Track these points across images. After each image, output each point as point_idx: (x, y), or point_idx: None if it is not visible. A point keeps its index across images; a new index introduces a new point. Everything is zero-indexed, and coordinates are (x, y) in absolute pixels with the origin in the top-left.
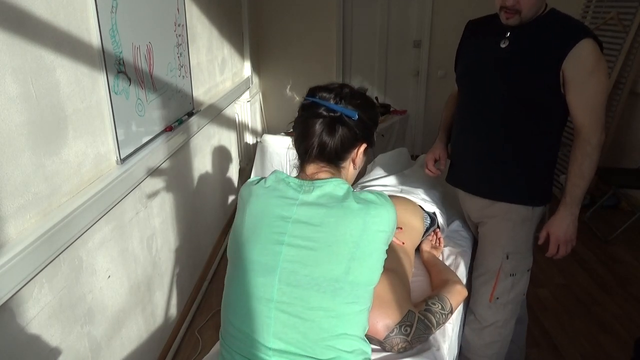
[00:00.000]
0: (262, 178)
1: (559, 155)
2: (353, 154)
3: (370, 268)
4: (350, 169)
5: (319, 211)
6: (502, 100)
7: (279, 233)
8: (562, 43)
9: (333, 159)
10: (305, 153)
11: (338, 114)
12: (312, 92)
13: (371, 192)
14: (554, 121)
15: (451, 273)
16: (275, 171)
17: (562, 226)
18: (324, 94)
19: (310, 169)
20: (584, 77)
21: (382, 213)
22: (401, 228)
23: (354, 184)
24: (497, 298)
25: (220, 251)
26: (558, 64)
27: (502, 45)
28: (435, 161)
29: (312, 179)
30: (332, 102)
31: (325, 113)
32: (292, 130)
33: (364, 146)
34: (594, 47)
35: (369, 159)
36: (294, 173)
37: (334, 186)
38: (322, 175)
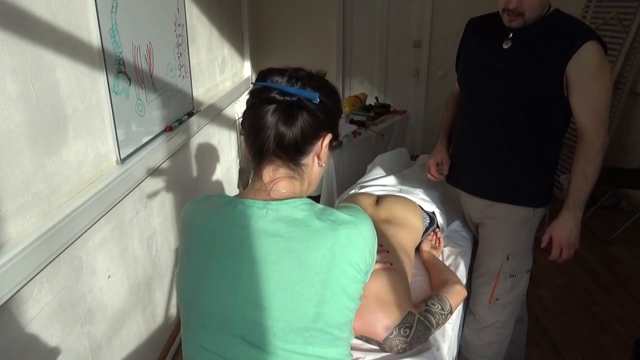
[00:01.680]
0: (208, 197)
1: (560, 156)
2: (317, 147)
3: (345, 307)
4: (314, 166)
5: (277, 245)
6: (504, 101)
7: (233, 276)
8: (566, 46)
9: (292, 153)
10: (261, 150)
11: (295, 97)
12: (262, 75)
13: (342, 208)
14: (556, 123)
15: (451, 273)
16: (220, 194)
17: (565, 230)
18: (276, 77)
19: (267, 171)
20: (587, 80)
21: (354, 237)
22: (388, 251)
23: (354, 185)
24: (497, 299)
25: None
26: (562, 67)
27: (505, 46)
28: (437, 165)
29: (268, 188)
30: (286, 84)
31: (279, 97)
32: (242, 126)
33: (329, 137)
34: (598, 49)
35: (334, 152)
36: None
37: (292, 208)
38: (281, 183)
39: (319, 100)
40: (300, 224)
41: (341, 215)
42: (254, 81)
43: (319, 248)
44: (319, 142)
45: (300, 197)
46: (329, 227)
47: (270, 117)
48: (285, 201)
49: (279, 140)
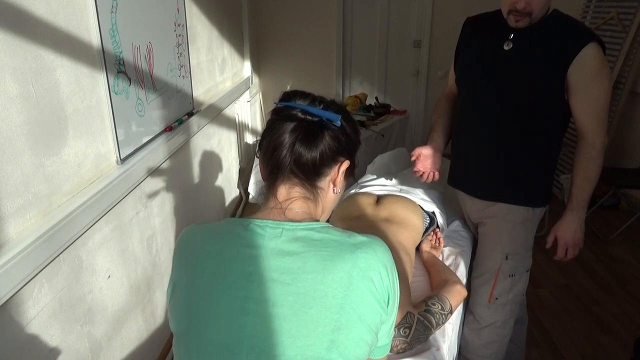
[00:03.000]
0: (209, 223)
1: (560, 156)
2: (334, 172)
3: (361, 339)
4: (329, 192)
5: (292, 264)
6: (504, 102)
7: (242, 298)
8: (567, 48)
9: (309, 173)
10: (277, 167)
11: (317, 118)
12: (286, 96)
13: (362, 234)
14: (556, 124)
15: (451, 273)
16: (227, 219)
17: (570, 230)
18: (299, 99)
19: (282, 189)
20: (588, 81)
21: (373, 262)
22: None
23: (354, 185)
24: (496, 298)
25: None
26: (564, 69)
27: (506, 48)
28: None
29: (283, 207)
30: (309, 105)
31: (301, 115)
32: (258, 147)
33: (346, 164)
34: (598, 51)
35: (349, 183)
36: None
37: (308, 229)
38: (296, 203)
39: (340, 123)
40: (318, 245)
41: (361, 238)
42: (277, 101)
43: (337, 270)
44: (336, 167)
45: (317, 220)
46: (348, 250)
47: (290, 135)
48: (302, 223)
49: (297, 158)
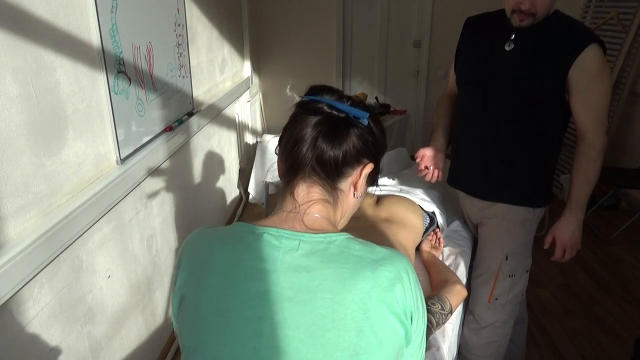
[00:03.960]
0: (216, 226)
1: (560, 156)
2: (355, 174)
3: None
4: (349, 196)
5: (309, 282)
6: (505, 102)
7: (256, 318)
8: (569, 49)
9: (331, 172)
10: (296, 163)
11: (343, 114)
12: (312, 90)
13: (383, 247)
14: (556, 124)
15: (451, 273)
16: (237, 223)
17: (568, 231)
18: (326, 94)
19: (301, 189)
20: (588, 82)
21: (395, 281)
22: None
23: None
24: (496, 298)
25: None
26: (565, 70)
27: (507, 48)
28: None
29: (301, 211)
30: (337, 100)
31: (327, 110)
32: (279, 143)
33: (369, 167)
34: (599, 51)
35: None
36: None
37: (328, 242)
38: (315, 207)
39: (367, 122)
40: (338, 261)
41: (381, 252)
42: (302, 95)
43: (357, 291)
44: (359, 169)
45: (336, 230)
46: (369, 267)
47: (313, 129)
48: (321, 234)
49: (319, 154)
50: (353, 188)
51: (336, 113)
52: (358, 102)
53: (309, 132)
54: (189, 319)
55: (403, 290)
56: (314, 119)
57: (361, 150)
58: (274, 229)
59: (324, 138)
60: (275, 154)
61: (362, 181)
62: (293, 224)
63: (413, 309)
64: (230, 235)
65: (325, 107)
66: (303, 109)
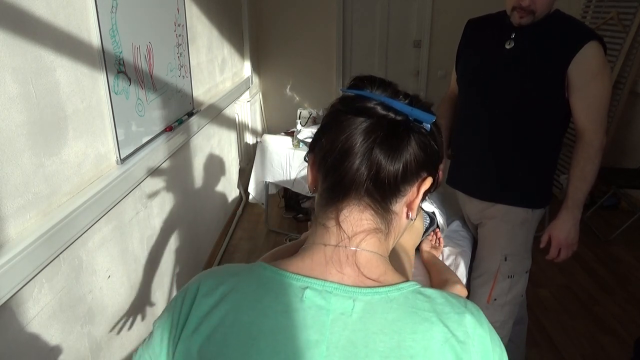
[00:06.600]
0: (233, 269)
1: (560, 156)
2: (412, 192)
3: None
4: (402, 218)
5: (366, 357)
6: (505, 102)
7: None
8: (568, 46)
9: (388, 193)
10: (345, 182)
11: (402, 117)
12: (358, 82)
13: (456, 298)
14: (556, 124)
15: (451, 273)
16: (263, 266)
17: (564, 230)
18: (377, 88)
19: (350, 216)
20: (588, 80)
21: (479, 347)
22: None
23: None
24: (495, 299)
25: (220, 251)
26: (564, 68)
27: (507, 47)
28: None
29: (350, 245)
30: (391, 97)
31: (382, 111)
32: (310, 148)
33: (428, 182)
34: (599, 50)
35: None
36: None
37: (389, 300)
38: (368, 241)
39: (430, 127)
40: (404, 331)
41: (464, 317)
42: (343, 87)
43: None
44: (417, 185)
45: (393, 271)
46: (448, 339)
47: (365, 137)
48: (380, 288)
49: (377, 171)
50: (407, 208)
51: (392, 115)
52: (417, 100)
53: (360, 141)
54: None
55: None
56: (364, 123)
57: (422, 162)
58: (317, 281)
59: (381, 148)
60: (305, 161)
61: (419, 199)
62: (341, 267)
63: None
64: (253, 287)
65: (380, 109)
66: (348, 108)
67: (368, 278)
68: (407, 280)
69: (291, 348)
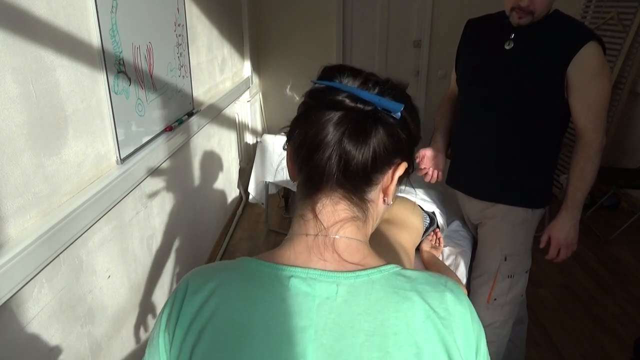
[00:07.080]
0: (222, 265)
1: (559, 156)
2: (386, 178)
3: None
4: (379, 203)
5: (353, 340)
6: (505, 102)
7: None
8: (568, 47)
9: (359, 183)
10: (318, 174)
11: (371, 107)
12: (328, 73)
13: (440, 277)
14: (556, 124)
15: (451, 273)
16: (248, 260)
17: (564, 230)
18: (347, 78)
19: (325, 208)
20: (587, 80)
21: (469, 330)
22: None
23: None
24: (495, 299)
25: (220, 251)
26: (564, 68)
27: (507, 47)
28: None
29: (330, 234)
30: (360, 87)
31: (350, 103)
32: (287, 139)
33: (403, 166)
34: (598, 50)
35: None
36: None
37: (371, 282)
38: (347, 229)
39: (400, 115)
40: (386, 310)
41: (445, 295)
42: (315, 79)
43: (417, 346)
44: (390, 172)
45: (372, 253)
46: (429, 315)
47: (335, 130)
48: (361, 271)
49: (346, 162)
50: (383, 194)
51: (361, 106)
52: (387, 88)
53: (330, 134)
54: None
55: (476, 340)
56: (334, 116)
57: (392, 150)
58: (301, 270)
59: (349, 140)
60: (283, 149)
61: (393, 185)
62: (322, 254)
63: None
64: (241, 280)
65: (348, 101)
66: (318, 102)
67: (349, 262)
68: (389, 263)
69: (281, 335)
